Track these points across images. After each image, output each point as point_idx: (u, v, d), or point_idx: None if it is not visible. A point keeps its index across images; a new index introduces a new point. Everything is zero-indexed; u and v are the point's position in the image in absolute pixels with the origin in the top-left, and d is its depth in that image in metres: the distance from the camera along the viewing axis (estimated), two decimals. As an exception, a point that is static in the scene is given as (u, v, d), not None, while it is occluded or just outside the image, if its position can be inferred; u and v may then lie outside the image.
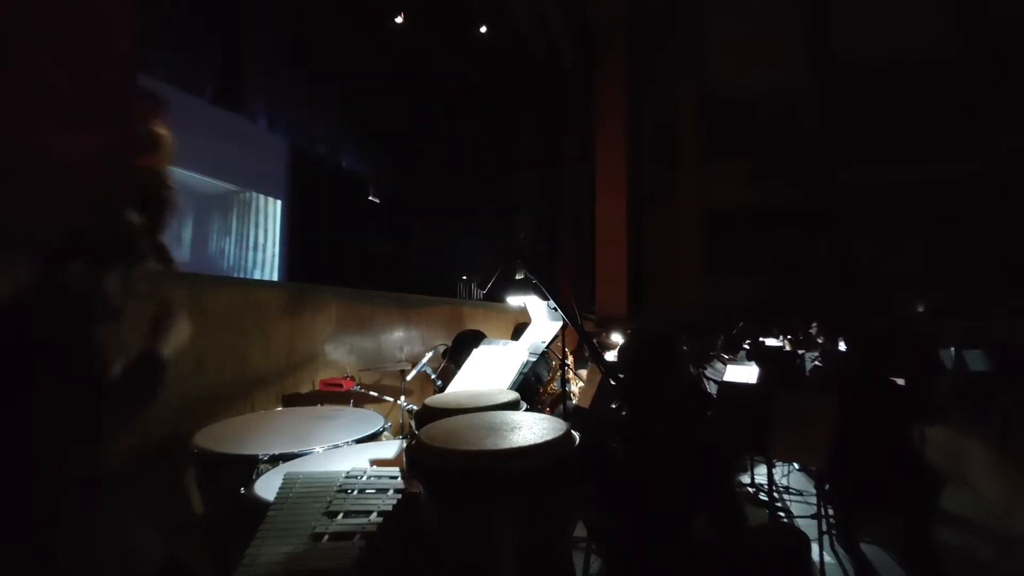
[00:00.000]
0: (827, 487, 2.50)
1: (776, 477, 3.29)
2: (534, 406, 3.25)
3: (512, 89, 8.38)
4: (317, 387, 2.99)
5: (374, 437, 1.92)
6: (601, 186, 9.80)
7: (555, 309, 2.13)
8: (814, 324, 7.18)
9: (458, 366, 2.62)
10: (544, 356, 2.85)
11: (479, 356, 2.59)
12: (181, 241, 4.29)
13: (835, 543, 2.55)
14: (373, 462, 1.48)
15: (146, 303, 1.37)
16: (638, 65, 10.06)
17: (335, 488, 1.23)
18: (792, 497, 3.28)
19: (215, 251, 4.85)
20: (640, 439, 1.48)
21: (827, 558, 2.46)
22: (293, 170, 5.32)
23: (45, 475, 1.18)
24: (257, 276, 4.96)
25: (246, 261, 4.99)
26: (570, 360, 4.51)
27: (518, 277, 1.95)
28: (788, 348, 6.36)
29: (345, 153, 5.66)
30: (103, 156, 2.01)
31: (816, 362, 5.07)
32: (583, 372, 4.20)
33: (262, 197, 5.11)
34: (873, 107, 9.53)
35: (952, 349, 5.53)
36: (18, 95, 1.80)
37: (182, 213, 4.15)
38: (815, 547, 2.34)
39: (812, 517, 2.65)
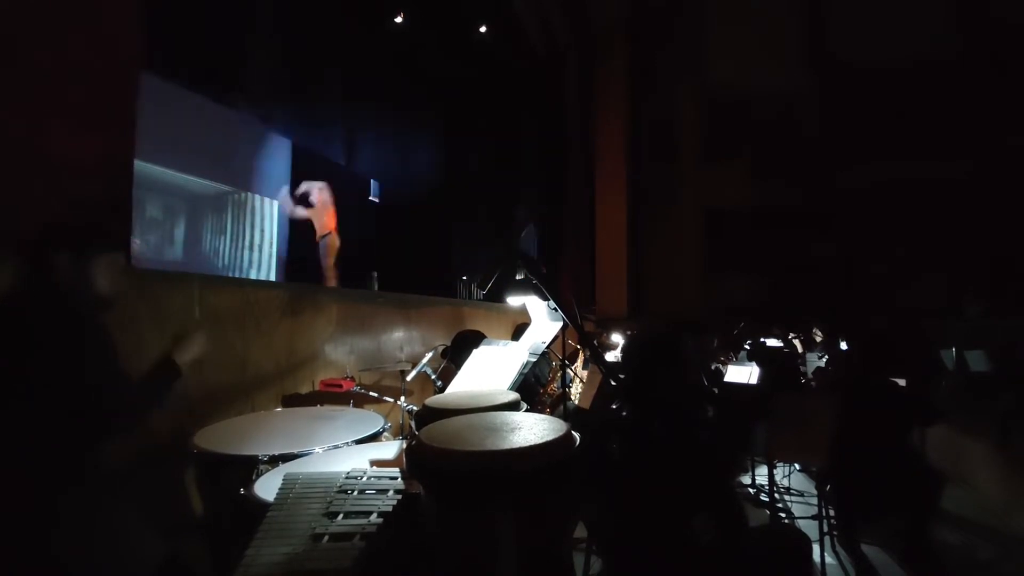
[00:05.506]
0: (828, 488, 2.49)
1: (777, 478, 3.28)
2: (534, 407, 3.24)
3: (513, 89, 8.37)
4: (317, 387, 2.98)
5: (374, 438, 1.91)
6: (601, 186, 9.79)
7: (555, 309, 2.12)
8: (814, 325, 7.17)
9: (458, 366, 2.61)
10: (545, 356, 2.84)
11: (479, 356, 2.58)
12: (174, 240, 4.25)
13: (836, 544, 2.54)
14: (373, 463, 1.48)
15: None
16: (638, 65, 10.06)
17: (335, 489, 1.22)
18: (793, 498, 3.28)
19: (209, 251, 4.81)
20: (640, 439, 1.48)
21: (828, 559, 2.46)
22: (293, 170, 5.31)
23: (44, 474, 1.18)
24: (253, 276, 4.93)
25: (242, 261, 4.94)
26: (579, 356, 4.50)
27: (518, 277, 1.94)
28: (789, 349, 6.35)
29: (345, 153, 5.66)
30: (105, 156, 2.01)
31: (820, 363, 5.07)
32: (584, 373, 4.19)
33: (258, 197, 5.08)
34: (873, 107, 9.53)
35: (953, 349, 5.52)
36: (20, 95, 1.80)
37: (177, 212, 4.13)
38: (816, 548, 2.34)
39: (813, 518, 2.65)
